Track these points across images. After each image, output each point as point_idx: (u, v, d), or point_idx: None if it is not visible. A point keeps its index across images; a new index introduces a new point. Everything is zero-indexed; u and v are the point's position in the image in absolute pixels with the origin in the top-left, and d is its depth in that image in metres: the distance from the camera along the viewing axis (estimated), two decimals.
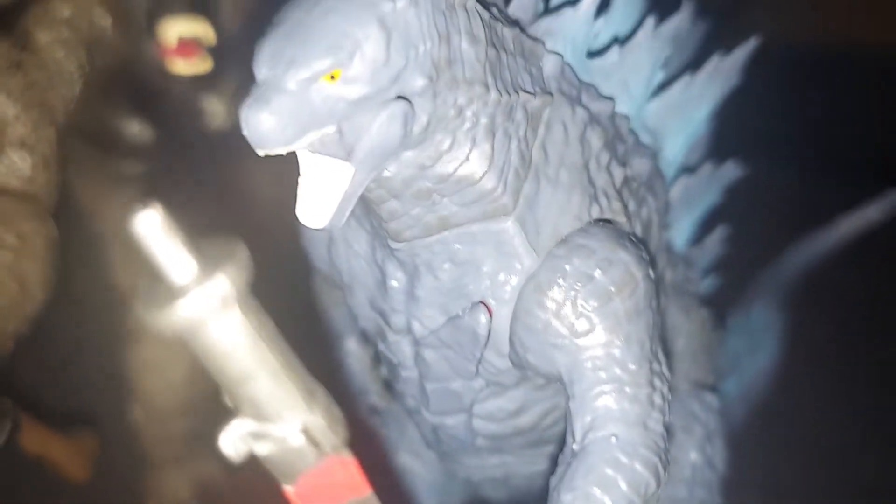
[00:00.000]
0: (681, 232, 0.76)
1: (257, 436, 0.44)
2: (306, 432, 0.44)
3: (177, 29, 0.79)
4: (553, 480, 0.55)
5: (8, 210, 0.77)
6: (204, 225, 0.43)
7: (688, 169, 0.73)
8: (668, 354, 0.60)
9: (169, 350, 0.95)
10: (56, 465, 0.86)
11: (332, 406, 0.46)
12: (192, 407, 0.98)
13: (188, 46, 0.79)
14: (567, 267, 0.54)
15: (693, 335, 0.73)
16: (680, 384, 0.71)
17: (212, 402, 0.96)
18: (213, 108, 0.85)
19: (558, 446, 0.60)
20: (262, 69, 0.45)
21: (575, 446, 0.55)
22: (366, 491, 0.47)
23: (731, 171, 0.77)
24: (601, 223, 0.57)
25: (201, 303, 0.40)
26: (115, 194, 0.88)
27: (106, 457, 1.02)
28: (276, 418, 0.44)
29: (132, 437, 0.99)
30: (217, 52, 0.81)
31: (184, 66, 0.80)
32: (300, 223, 0.48)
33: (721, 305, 0.86)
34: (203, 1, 0.80)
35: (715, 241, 0.80)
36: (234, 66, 0.84)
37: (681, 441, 0.70)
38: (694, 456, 0.71)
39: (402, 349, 0.61)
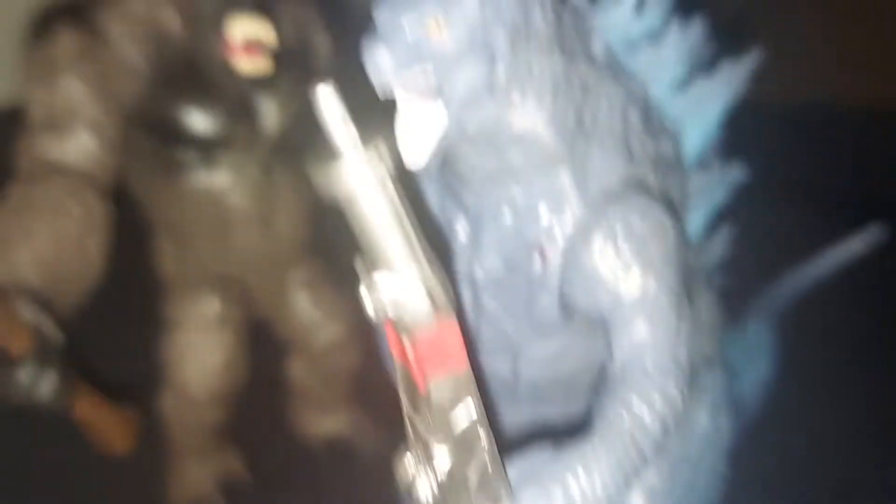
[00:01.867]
0: (693, 224, 0.89)
1: (388, 286, 0.55)
2: (427, 287, 0.55)
3: (243, 27, 0.91)
4: (593, 396, 0.67)
5: (76, 185, 0.88)
6: None
7: (701, 164, 0.87)
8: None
9: (207, 338, 1.05)
10: (102, 433, 0.94)
11: (446, 281, 0.57)
12: (223, 398, 1.08)
13: (252, 46, 0.91)
14: (609, 213, 0.68)
15: (701, 311, 0.85)
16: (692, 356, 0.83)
17: (243, 395, 1.07)
18: (269, 107, 0.97)
19: (588, 396, 0.72)
20: (383, 14, 0.58)
21: (613, 367, 0.67)
22: (465, 366, 0.57)
23: (737, 172, 0.91)
24: (638, 182, 0.70)
25: (362, 159, 0.52)
26: (168, 183, 0.98)
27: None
28: (405, 273, 0.55)
29: (161, 423, 1.09)
30: (277, 56, 0.94)
31: (246, 64, 0.92)
32: None
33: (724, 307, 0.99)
34: (267, 5, 0.93)
35: (721, 239, 0.94)
36: (292, 69, 0.97)
37: (691, 405, 0.81)
38: (704, 420, 0.82)
39: (461, 295, 0.73)
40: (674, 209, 0.75)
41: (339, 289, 1.12)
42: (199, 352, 1.06)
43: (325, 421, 1.19)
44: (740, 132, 0.92)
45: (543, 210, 0.69)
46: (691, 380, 0.77)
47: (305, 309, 1.10)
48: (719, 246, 0.94)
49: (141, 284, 1.07)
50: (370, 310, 0.55)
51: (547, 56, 0.64)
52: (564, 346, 0.75)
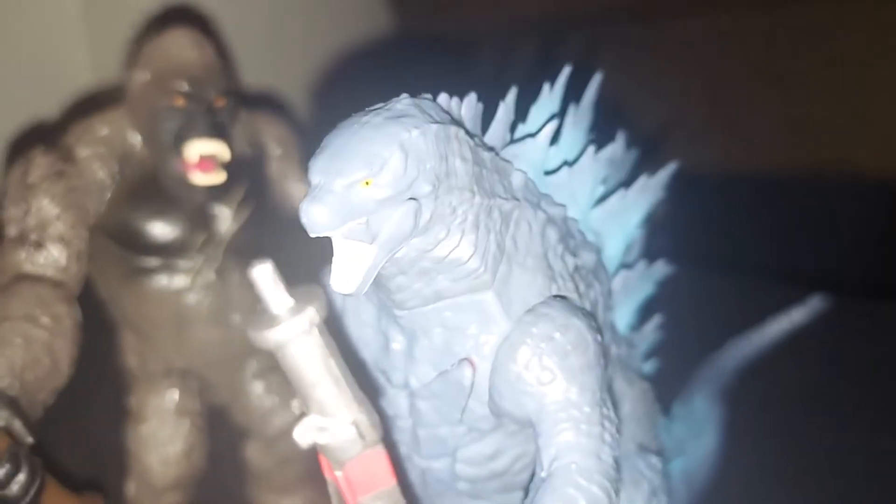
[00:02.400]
0: (622, 318, 0.98)
1: (321, 428, 0.64)
2: (356, 427, 0.64)
3: (198, 148, 1.01)
4: (525, 500, 0.75)
5: (45, 295, 0.97)
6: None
7: (626, 265, 0.96)
8: (615, 408, 0.80)
9: (167, 428, 1.13)
10: None
11: (372, 410, 0.66)
12: (183, 482, 1.15)
13: (207, 162, 1.01)
14: (533, 330, 0.76)
15: (637, 401, 0.93)
16: (627, 444, 0.89)
17: (202, 478, 1.15)
18: (223, 213, 1.07)
19: (526, 492, 0.80)
20: (316, 176, 0.66)
21: (543, 474, 0.75)
22: (392, 482, 0.67)
23: (661, 268, 1.00)
24: (558, 298, 0.80)
25: (294, 327, 0.61)
26: (131, 285, 1.07)
27: None
28: (335, 415, 0.64)
29: None
30: (230, 166, 1.03)
31: (202, 179, 1.02)
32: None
33: (660, 386, 1.07)
34: (220, 126, 1.03)
35: (652, 328, 1.02)
36: (245, 176, 1.06)
37: (630, 494, 0.87)
38: None
39: (399, 402, 0.81)
40: (594, 317, 0.84)
41: None
42: (160, 441, 1.14)
43: (281, 501, 1.27)
44: (679, 205, 1.02)
45: (472, 328, 0.77)
46: (625, 470, 0.84)
47: (260, 397, 1.18)
48: (651, 335, 1.03)
49: (107, 378, 1.15)
50: (302, 445, 0.64)
51: (467, 196, 0.73)
52: (497, 446, 0.82)
